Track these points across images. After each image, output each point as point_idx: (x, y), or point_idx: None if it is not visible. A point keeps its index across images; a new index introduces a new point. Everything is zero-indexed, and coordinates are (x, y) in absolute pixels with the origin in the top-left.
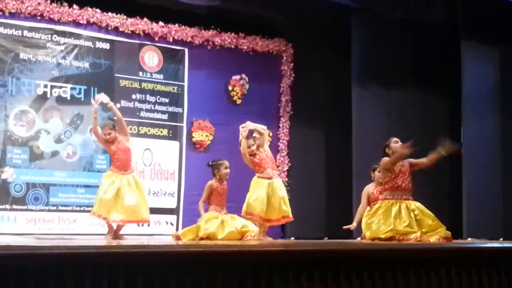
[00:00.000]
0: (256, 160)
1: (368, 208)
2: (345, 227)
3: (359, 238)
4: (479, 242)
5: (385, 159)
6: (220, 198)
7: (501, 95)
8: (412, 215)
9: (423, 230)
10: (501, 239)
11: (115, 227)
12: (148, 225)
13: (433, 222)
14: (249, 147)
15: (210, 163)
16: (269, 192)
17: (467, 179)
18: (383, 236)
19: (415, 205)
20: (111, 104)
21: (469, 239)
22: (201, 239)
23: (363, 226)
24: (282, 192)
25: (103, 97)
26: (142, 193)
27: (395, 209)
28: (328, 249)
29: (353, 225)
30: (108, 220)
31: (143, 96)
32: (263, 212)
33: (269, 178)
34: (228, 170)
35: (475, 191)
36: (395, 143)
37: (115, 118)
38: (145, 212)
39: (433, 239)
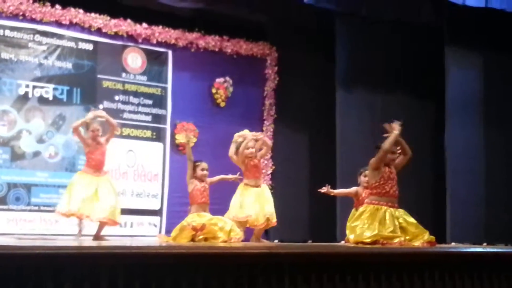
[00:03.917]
0: (252, 164)
1: (353, 210)
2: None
3: (342, 242)
4: (463, 246)
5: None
6: (201, 196)
7: (485, 101)
8: (397, 222)
9: (407, 237)
10: (484, 244)
11: (99, 226)
12: (131, 226)
13: (416, 229)
14: (247, 148)
15: None
16: (259, 199)
17: (451, 183)
18: (367, 240)
19: (400, 213)
20: (109, 118)
21: (453, 243)
22: (196, 229)
23: (347, 229)
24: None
25: (101, 114)
26: (116, 196)
27: (380, 215)
28: (311, 252)
29: (331, 190)
30: (91, 219)
31: (126, 97)
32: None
33: (257, 186)
34: (205, 172)
35: (459, 196)
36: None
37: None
38: (119, 214)
39: (417, 243)
